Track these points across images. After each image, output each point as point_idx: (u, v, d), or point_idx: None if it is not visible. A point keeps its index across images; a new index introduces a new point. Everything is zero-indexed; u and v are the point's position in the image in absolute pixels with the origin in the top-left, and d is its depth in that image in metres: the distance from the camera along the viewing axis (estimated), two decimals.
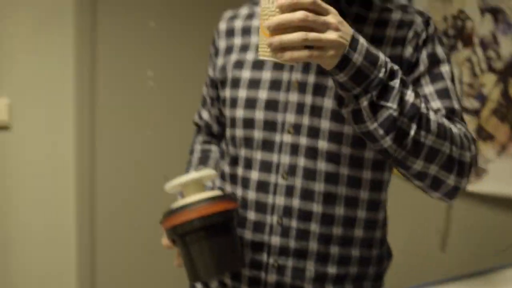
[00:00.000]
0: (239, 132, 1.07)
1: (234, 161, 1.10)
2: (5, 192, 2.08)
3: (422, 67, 0.99)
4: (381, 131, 0.86)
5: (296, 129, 1.01)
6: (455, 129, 0.94)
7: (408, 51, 0.99)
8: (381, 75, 0.84)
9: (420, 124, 0.87)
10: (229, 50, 1.12)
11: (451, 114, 0.98)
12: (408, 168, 0.91)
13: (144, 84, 2.32)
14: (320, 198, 1.01)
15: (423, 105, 0.89)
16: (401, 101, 0.86)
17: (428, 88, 0.99)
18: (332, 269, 1.04)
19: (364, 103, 0.84)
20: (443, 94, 0.98)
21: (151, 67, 2.31)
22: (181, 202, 0.96)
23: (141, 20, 2.26)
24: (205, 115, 1.25)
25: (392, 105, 0.84)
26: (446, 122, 0.93)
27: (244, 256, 1.01)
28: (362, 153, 1.01)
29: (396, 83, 0.85)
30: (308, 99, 1.01)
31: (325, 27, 0.79)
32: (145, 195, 2.32)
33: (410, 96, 0.87)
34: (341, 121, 0.99)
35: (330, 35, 0.79)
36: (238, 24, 1.13)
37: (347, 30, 0.82)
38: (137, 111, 2.32)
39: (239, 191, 1.08)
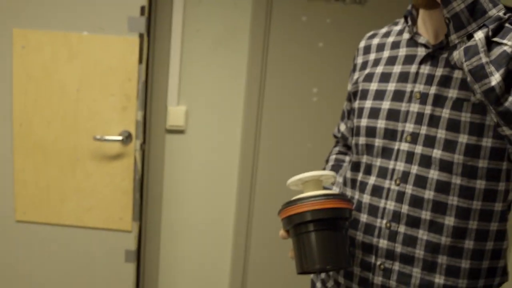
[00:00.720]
0: (362, 140, 1.13)
1: (356, 167, 1.16)
2: (178, 185, 2.38)
3: None
4: (492, 67, 0.84)
5: (414, 137, 1.04)
6: None
7: None
8: (500, 13, 0.84)
9: None
10: (364, 65, 1.19)
11: None
12: None
13: (308, 100, 2.44)
14: (429, 206, 1.02)
15: None
16: None
17: None
18: (439, 279, 1.03)
19: (480, 35, 0.84)
20: None
21: (316, 84, 2.43)
22: (297, 196, 1.03)
23: (310, 41, 2.40)
24: (343, 127, 1.32)
25: (508, 42, 0.83)
26: None
27: (349, 256, 1.03)
28: (476, 162, 1.00)
29: None
30: (428, 109, 1.03)
31: None
32: None
33: None
34: (457, 130, 1.00)
35: None
36: (375, 41, 1.20)
37: None
38: (300, 124, 2.45)
39: (356, 195, 1.13)
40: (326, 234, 0.98)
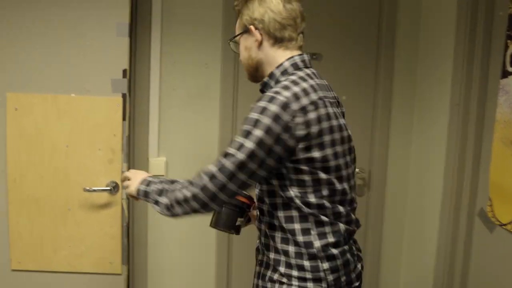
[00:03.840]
0: None
1: None
2: (162, 230, 2.58)
3: None
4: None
5: None
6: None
7: None
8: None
9: None
10: None
11: None
12: None
13: None
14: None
15: None
16: None
17: None
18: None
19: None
20: None
21: None
22: None
23: None
24: None
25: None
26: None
27: (240, 228, 1.71)
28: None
29: None
30: None
31: None
32: None
33: None
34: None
35: None
36: None
37: None
38: None
39: None
40: (235, 214, 1.66)
